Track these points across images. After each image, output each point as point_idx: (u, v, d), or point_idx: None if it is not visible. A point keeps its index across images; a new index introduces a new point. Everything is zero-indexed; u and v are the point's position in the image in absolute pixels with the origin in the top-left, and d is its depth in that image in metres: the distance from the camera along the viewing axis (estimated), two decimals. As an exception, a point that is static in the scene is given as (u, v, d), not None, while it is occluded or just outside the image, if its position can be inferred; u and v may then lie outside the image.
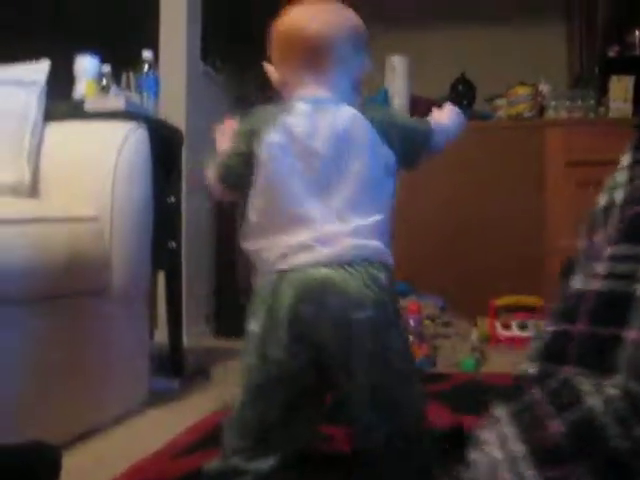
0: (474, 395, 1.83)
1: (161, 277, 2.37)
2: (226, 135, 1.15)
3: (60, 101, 1.93)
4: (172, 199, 2.06)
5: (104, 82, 2.03)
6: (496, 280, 3.10)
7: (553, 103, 3.22)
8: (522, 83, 3.24)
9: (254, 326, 1.02)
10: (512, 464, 0.61)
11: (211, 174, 1.13)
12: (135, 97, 2.10)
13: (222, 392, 1.87)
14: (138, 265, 1.71)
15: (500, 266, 3.14)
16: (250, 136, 1.07)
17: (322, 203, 1.02)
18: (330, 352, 0.99)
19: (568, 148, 3.12)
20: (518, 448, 0.62)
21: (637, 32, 3.33)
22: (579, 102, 3.18)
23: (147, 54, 2.15)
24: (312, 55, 1.09)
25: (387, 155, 1.08)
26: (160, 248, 2.04)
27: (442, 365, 2.31)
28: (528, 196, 3.15)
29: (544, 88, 3.30)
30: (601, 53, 3.48)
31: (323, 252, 0.99)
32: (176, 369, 2.17)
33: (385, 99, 3.26)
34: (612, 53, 3.38)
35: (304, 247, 0.99)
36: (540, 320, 2.91)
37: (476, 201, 3.19)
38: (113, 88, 2.02)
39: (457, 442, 1.18)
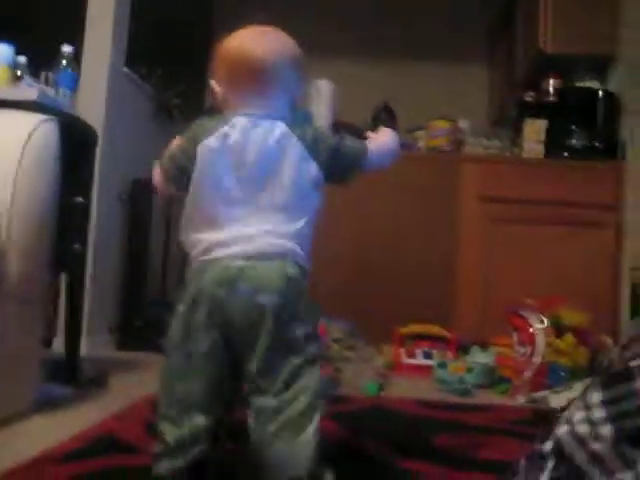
0: (374, 419, 1.83)
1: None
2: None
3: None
4: (80, 199, 1.99)
5: (18, 72, 1.95)
6: (405, 309, 3.14)
7: (471, 139, 3.32)
8: (442, 118, 3.32)
9: (181, 307, 1.15)
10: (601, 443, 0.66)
11: (157, 170, 1.27)
12: (50, 91, 2.03)
13: (117, 402, 1.81)
14: (36, 263, 1.63)
15: (410, 295, 3.18)
16: (193, 139, 1.19)
17: (246, 206, 1.16)
18: (237, 329, 1.11)
19: (482, 184, 3.21)
20: (607, 432, 0.66)
21: (551, 81, 3.49)
22: (495, 141, 3.29)
23: (66, 49, 2.08)
24: (256, 77, 1.21)
25: (313, 170, 1.20)
26: (63, 250, 1.96)
27: (345, 388, 2.30)
28: (442, 228, 3.21)
29: (463, 124, 3.39)
30: (518, 97, 3.62)
31: (241, 248, 1.13)
32: (70, 376, 2.08)
33: (305, 120, 3.27)
34: (528, 98, 3.52)
35: (226, 243, 1.14)
36: (445, 350, 2.95)
37: (390, 230, 3.23)
38: (27, 79, 1.94)
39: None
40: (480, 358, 2.73)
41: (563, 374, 2.37)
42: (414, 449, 1.49)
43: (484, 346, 2.88)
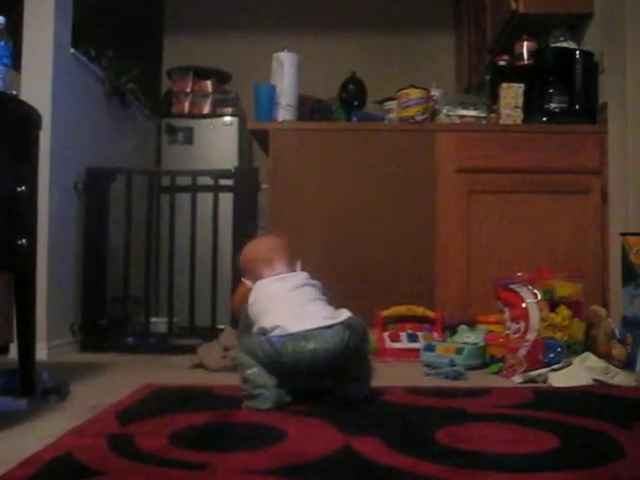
0: (362, 412, 1.66)
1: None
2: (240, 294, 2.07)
3: None
4: (23, 188, 1.77)
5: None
6: (385, 290, 2.97)
7: (446, 108, 3.13)
8: (413, 86, 3.12)
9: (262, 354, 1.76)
10: None
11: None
12: (-19, 68, 1.79)
13: (77, 415, 1.61)
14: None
15: (390, 275, 3.01)
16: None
17: (305, 310, 1.81)
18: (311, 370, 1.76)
19: (460, 154, 3.03)
20: None
21: (525, 43, 3.33)
22: (471, 108, 3.11)
23: (-3, 19, 1.84)
24: (268, 261, 1.95)
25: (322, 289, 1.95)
26: (6, 246, 1.75)
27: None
28: (419, 201, 3.04)
29: (436, 93, 3.21)
30: (492, 62, 3.46)
31: (307, 326, 1.75)
32: (25, 387, 1.87)
33: (270, 96, 3.07)
34: (502, 62, 3.36)
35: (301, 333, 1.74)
36: (430, 331, 2.80)
37: (366, 205, 3.05)
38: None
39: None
40: (469, 338, 2.58)
41: (560, 350, 2.23)
42: (413, 447, 1.32)
43: (471, 325, 2.73)
